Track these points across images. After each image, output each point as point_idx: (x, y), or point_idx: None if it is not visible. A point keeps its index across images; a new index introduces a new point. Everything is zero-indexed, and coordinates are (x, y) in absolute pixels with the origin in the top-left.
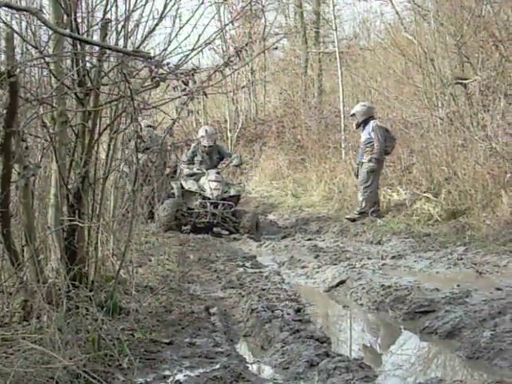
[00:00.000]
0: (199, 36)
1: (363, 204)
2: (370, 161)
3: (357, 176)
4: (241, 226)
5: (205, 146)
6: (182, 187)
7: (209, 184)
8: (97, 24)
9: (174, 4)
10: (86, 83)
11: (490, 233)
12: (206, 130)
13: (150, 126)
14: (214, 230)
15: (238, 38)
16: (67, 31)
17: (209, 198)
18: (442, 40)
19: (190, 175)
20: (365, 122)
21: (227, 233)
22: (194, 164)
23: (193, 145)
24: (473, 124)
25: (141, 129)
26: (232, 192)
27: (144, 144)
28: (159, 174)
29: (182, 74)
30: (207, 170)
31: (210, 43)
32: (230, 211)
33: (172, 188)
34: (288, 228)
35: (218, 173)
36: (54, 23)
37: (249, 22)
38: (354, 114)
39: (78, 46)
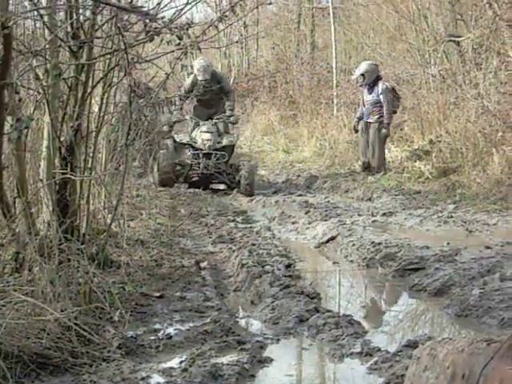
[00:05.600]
0: None
1: (378, 163)
2: (380, 125)
3: (356, 131)
4: (239, 184)
5: (201, 81)
6: (175, 141)
7: (200, 135)
8: None
9: None
10: (80, 36)
11: (481, 191)
12: (201, 63)
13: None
14: (212, 186)
15: None
16: None
17: (200, 150)
18: None
19: (180, 121)
20: (373, 82)
21: (225, 187)
22: (190, 97)
23: (190, 77)
24: (465, 82)
25: (134, 83)
26: (224, 142)
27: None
28: (152, 128)
29: (176, 28)
30: (206, 103)
31: None
32: (223, 161)
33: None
34: (279, 183)
35: (213, 124)
36: None
37: None
38: (362, 74)
39: None
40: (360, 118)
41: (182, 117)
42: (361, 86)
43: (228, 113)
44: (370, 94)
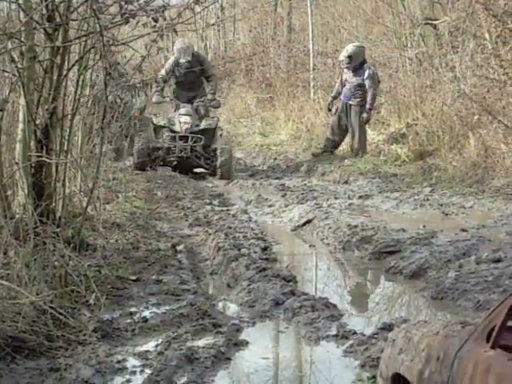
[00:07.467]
0: None
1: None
2: (362, 109)
3: (329, 110)
4: (217, 168)
5: (184, 62)
6: (153, 123)
7: (179, 118)
8: None
9: None
10: (55, 18)
11: (457, 174)
12: (182, 45)
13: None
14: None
15: None
16: None
17: (177, 132)
18: None
19: (159, 103)
20: (359, 64)
21: (202, 170)
22: (169, 80)
23: (172, 58)
24: (441, 65)
25: (110, 65)
26: (203, 125)
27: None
28: (127, 112)
29: (151, 10)
30: (186, 86)
31: None
32: (199, 144)
33: (142, 125)
34: (255, 166)
35: (193, 107)
36: None
37: None
38: (349, 56)
39: None
40: (335, 98)
41: (163, 99)
42: (347, 67)
43: (210, 96)
44: (355, 76)
